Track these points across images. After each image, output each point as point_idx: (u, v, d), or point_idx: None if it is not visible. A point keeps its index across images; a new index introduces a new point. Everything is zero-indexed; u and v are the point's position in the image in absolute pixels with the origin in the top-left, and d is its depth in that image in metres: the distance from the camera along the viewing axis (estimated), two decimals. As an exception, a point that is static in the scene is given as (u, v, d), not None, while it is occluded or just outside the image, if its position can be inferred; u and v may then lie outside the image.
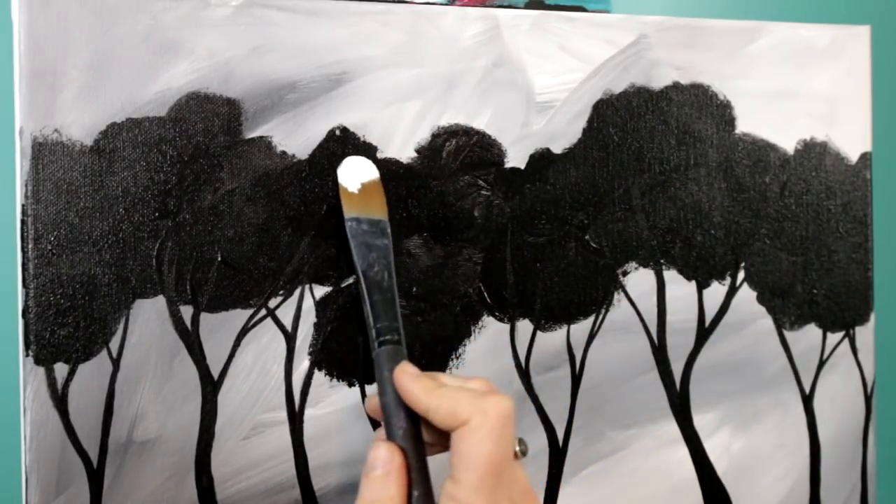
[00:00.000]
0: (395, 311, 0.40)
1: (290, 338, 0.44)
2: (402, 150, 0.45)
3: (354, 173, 0.43)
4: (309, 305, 0.44)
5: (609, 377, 0.49)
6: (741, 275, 0.51)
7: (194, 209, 0.42)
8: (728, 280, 0.51)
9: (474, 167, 0.46)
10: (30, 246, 0.40)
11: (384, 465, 0.36)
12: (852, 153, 0.53)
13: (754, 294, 0.51)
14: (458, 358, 0.46)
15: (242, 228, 0.43)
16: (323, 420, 0.44)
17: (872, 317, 0.54)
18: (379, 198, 0.43)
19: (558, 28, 0.48)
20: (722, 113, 0.51)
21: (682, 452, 0.50)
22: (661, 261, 0.49)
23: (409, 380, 0.37)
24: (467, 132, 0.46)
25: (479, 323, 0.46)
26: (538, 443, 0.47)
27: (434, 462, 0.38)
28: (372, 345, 0.39)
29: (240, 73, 0.43)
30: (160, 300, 0.41)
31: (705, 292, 0.50)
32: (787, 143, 0.52)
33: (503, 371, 0.47)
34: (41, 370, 0.40)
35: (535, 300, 0.47)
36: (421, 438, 0.37)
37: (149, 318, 0.41)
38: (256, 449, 0.43)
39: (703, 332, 0.50)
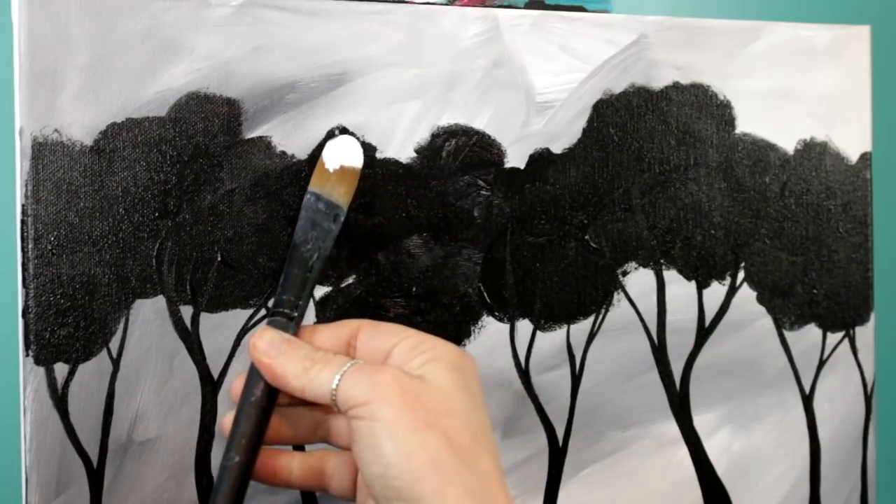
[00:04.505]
0: (306, 293, 0.39)
1: (290, 338, 0.43)
2: (402, 150, 0.45)
3: (340, 153, 0.42)
4: (309, 305, 0.44)
5: (609, 377, 0.49)
6: (741, 275, 0.51)
7: (194, 209, 0.42)
8: (728, 280, 0.51)
9: (474, 167, 0.46)
10: (30, 246, 0.40)
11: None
12: (852, 153, 0.53)
13: (754, 294, 0.51)
14: (457, 358, 0.46)
15: (242, 228, 0.43)
16: (323, 420, 0.44)
17: (872, 317, 0.54)
18: (349, 186, 0.41)
19: (558, 28, 0.48)
20: (722, 113, 0.51)
21: (682, 452, 0.50)
22: (661, 261, 0.49)
23: (275, 348, 0.37)
24: (467, 132, 0.46)
25: (479, 323, 0.46)
26: (538, 443, 0.47)
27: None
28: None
29: (240, 73, 0.43)
30: (160, 300, 0.41)
31: (705, 292, 0.50)
32: (787, 143, 0.52)
33: (503, 371, 0.47)
34: (41, 370, 0.40)
35: (534, 300, 0.47)
36: (269, 413, 0.37)
37: (149, 318, 0.41)
38: (256, 449, 0.43)
39: (703, 332, 0.50)
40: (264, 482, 0.38)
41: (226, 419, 0.38)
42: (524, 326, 0.47)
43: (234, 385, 0.39)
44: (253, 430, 0.37)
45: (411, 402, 0.34)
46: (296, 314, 0.39)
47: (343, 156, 0.41)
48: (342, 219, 0.41)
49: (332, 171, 0.41)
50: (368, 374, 0.35)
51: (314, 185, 0.41)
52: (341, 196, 0.41)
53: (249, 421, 0.37)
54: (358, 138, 0.44)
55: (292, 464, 0.39)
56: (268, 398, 0.37)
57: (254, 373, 0.38)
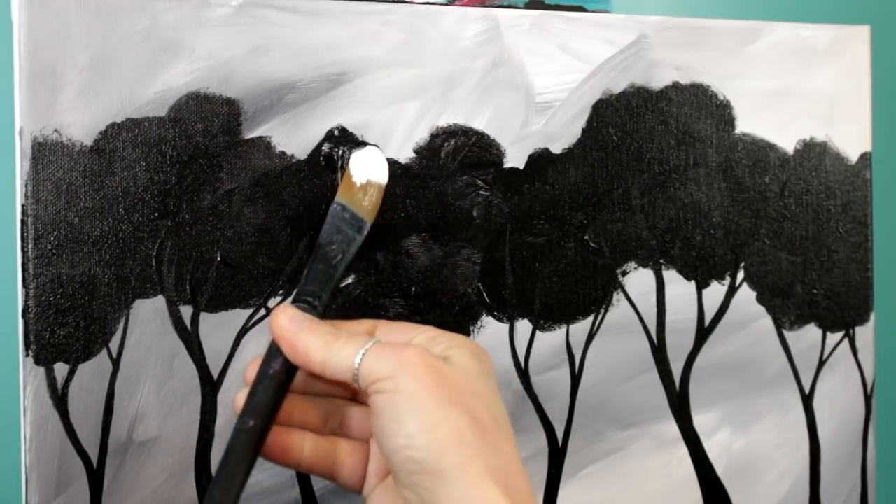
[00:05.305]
0: (329, 286, 0.39)
1: (290, 338, 0.43)
2: (401, 150, 0.45)
3: (367, 165, 0.42)
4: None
5: (608, 377, 0.49)
6: (741, 275, 0.51)
7: (194, 209, 0.42)
8: (728, 280, 0.51)
9: (473, 167, 0.46)
10: (30, 246, 0.40)
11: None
12: (852, 153, 0.53)
13: (754, 294, 0.51)
14: (457, 358, 0.46)
15: (242, 228, 0.43)
16: (322, 420, 0.44)
17: (872, 317, 0.54)
18: (375, 201, 0.41)
19: (558, 28, 0.48)
20: (722, 113, 0.51)
21: (682, 452, 0.50)
22: (661, 261, 0.49)
23: (297, 325, 0.37)
24: (466, 132, 0.46)
25: (478, 323, 0.46)
26: (538, 443, 0.47)
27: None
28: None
29: (239, 73, 0.43)
30: (160, 300, 0.42)
31: (705, 292, 0.50)
32: (787, 143, 0.52)
33: (502, 371, 0.47)
34: (41, 370, 0.40)
35: (534, 300, 0.47)
36: (286, 387, 0.37)
37: (149, 318, 0.41)
38: (256, 448, 0.43)
39: (703, 332, 0.50)
40: (275, 460, 0.37)
41: (239, 396, 0.37)
42: (523, 326, 0.47)
43: (248, 367, 0.38)
44: (269, 399, 0.36)
45: (436, 379, 0.34)
46: (318, 304, 0.39)
47: (370, 169, 0.42)
48: (366, 231, 0.41)
49: (359, 184, 0.41)
50: (393, 350, 0.35)
51: (341, 196, 0.41)
52: (367, 210, 0.41)
53: (266, 392, 0.36)
54: (357, 138, 0.44)
55: (304, 443, 0.38)
56: (286, 374, 0.37)
57: (272, 350, 0.37)
